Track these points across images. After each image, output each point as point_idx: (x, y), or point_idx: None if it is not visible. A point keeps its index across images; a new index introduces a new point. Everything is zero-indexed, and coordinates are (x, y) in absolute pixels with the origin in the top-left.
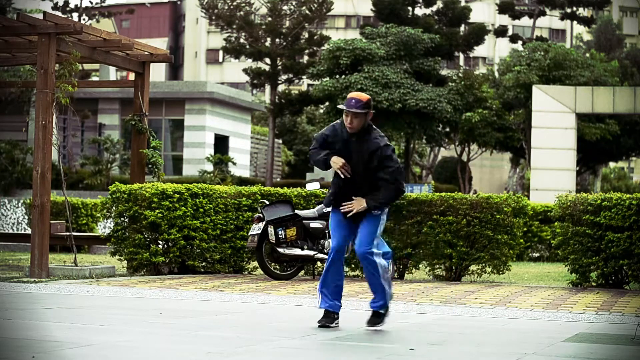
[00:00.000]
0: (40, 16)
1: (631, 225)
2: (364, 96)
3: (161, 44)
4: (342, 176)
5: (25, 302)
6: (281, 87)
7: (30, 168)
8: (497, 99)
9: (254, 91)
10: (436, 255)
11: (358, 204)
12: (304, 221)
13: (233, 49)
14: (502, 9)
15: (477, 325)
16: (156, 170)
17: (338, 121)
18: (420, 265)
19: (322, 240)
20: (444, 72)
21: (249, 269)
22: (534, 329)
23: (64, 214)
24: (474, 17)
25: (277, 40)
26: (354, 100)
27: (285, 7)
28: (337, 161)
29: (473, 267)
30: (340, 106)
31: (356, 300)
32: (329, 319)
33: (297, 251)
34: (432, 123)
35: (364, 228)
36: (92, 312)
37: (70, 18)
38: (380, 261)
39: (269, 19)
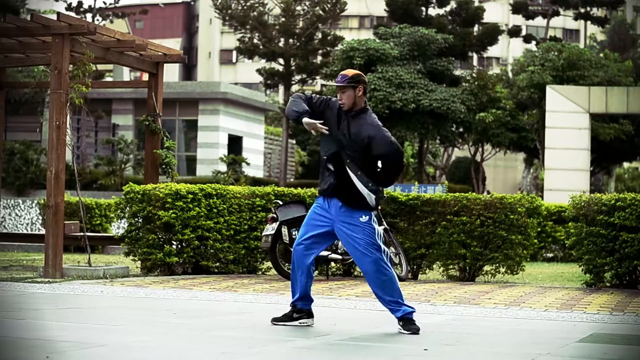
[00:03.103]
0: (54, 17)
1: None
2: (350, 71)
3: (175, 44)
4: (324, 131)
5: (39, 303)
6: (295, 88)
7: (44, 168)
8: (510, 99)
9: (268, 91)
10: (450, 255)
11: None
12: None
13: (246, 50)
14: (516, 9)
15: (491, 326)
16: (170, 170)
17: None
18: (434, 266)
19: (335, 241)
20: (457, 72)
21: (263, 270)
22: (548, 329)
23: (77, 214)
24: (488, 17)
25: (291, 40)
26: (340, 76)
27: (298, 8)
28: (310, 122)
29: (487, 268)
30: (328, 82)
31: (369, 300)
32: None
33: None
34: (445, 123)
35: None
36: (106, 313)
37: (84, 19)
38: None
39: (283, 19)
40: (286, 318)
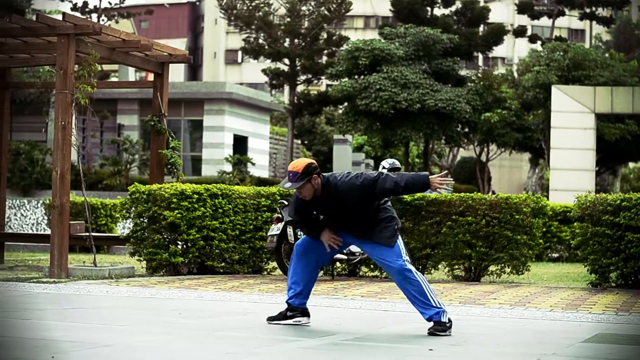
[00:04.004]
0: (59, 17)
1: None
2: (299, 165)
3: (180, 44)
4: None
5: (45, 303)
6: (300, 88)
7: (50, 169)
8: (516, 99)
9: (273, 92)
10: (455, 255)
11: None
12: None
13: (252, 50)
14: (521, 9)
15: (496, 326)
16: (175, 170)
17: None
18: (439, 266)
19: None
20: (462, 72)
21: (268, 270)
22: (553, 329)
23: (83, 214)
24: (493, 17)
25: (296, 40)
26: (291, 174)
27: (304, 8)
28: (326, 239)
29: (492, 268)
30: (282, 185)
31: (375, 300)
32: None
33: None
34: (451, 123)
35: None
36: (111, 313)
37: (89, 19)
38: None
39: (288, 19)
40: (281, 317)
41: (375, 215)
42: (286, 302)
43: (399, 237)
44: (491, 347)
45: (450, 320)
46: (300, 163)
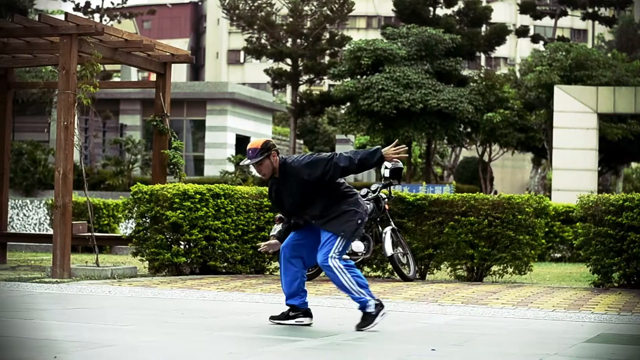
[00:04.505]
0: (61, 17)
1: None
2: (257, 142)
3: (182, 44)
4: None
5: (47, 303)
6: (302, 88)
7: (52, 169)
8: (518, 99)
9: (275, 92)
10: (458, 255)
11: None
12: None
13: (254, 50)
14: (524, 9)
15: (499, 326)
16: (177, 170)
17: None
18: (442, 266)
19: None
20: (465, 72)
21: (271, 270)
22: (556, 329)
23: (85, 214)
24: (495, 17)
25: (298, 40)
26: (250, 151)
27: (306, 8)
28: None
29: (495, 268)
30: (242, 163)
31: None
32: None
33: None
34: (453, 123)
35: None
36: (114, 313)
37: (91, 19)
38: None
39: (290, 19)
40: (283, 317)
41: (338, 203)
42: (286, 304)
43: (351, 239)
44: (493, 347)
45: (377, 307)
46: (258, 141)
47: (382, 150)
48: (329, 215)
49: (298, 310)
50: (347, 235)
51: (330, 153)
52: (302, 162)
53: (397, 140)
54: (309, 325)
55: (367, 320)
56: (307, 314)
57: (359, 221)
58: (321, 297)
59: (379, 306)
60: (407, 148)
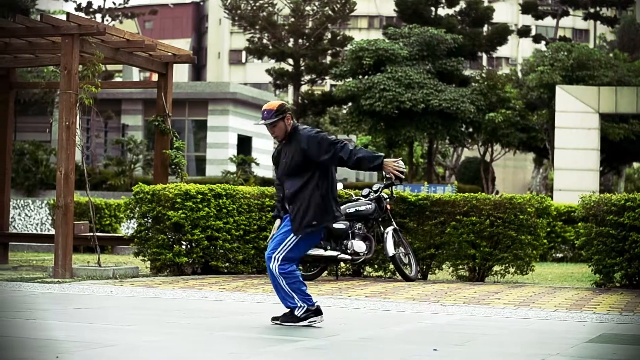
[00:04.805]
0: (63, 17)
1: None
2: (274, 104)
3: (184, 44)
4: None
5: (49, 303)
6: (304, 88)
7: (54, 169)
8: (520, 99)
9: (277, 92)
10: (459, 255)
11: None
12: None
13: (256, 50)
14: (525, 9)
15: (501, 326)
16: (179, 170)
17: None
18: (444, 266)
19: (345, 241)
20: (467, 72)
21: None
22: (558, 329)
23: (87, 214)
24: (497, 17)
25: (300, 40)
26: (265, 112)
27: (308, 8)
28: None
29: (496, 268)
30: (256, 123)
31: (379, 300)
32: None
33: (320, 252)
34: (455, 123)
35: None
36: (116, 313)
37: (93, 19)
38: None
39: (292, 19)
40: (295, 319)
41: (312, 195)
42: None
43: (305, 235)
44: (495, 347)
45: (303, 316)
46: (275, 102)
47: (385, 160)
48: (295, 202)
49: (309, 310)
50: (299, 233)
51: (337, 138)
52: (309, 134)
53: (400, 158)
54: (320, 323)
55: (291, 318)
56: (318, 312)
57: (314, 222)
58: (323, 297)
59: (311, 313)
60: (406, 170)
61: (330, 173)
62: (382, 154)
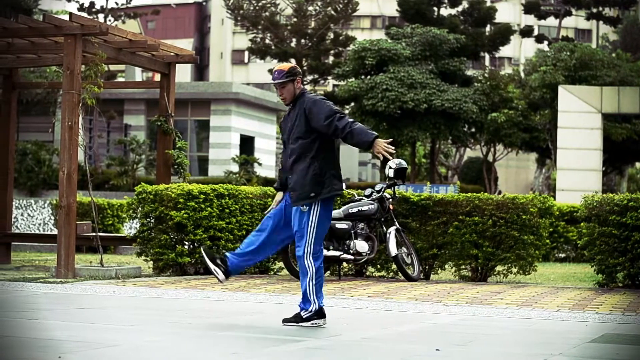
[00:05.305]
0: (66, 17)
1: None
2: (285, 65)
3: (187, 44)
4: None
5: (52, 303)
6: (307, 88)
7: (57, 169)
8: (522, 100)
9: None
10: (462, 255)
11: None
12: None
13: (258, 50)
14: (528, 9)
15: (503, 326)
16: (182, 171)
17: None
18: (446, 266)
19: (347, 241)
20: (469, 72)
21: (275, 270)
22: (560, 329)
23: (90, 214)
24: (500, 18)
25: (303, 40)
26: (276, 72)
27: (310, 8)
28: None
29: (499, 268)
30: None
31: (382, 300)
32: None
33: None
34: (457, 123)
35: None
36: (118, 313)
37: (96, 19)
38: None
39: (295, 19)
40: (299, 319)
41: (310, 165)
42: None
43: (318, 207)
44: (498, 347)
45: (307, 317)
46: (287, 64)
47: (377, 139)
48: (294, 172)
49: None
50: (298, 204)
51: (340, 111)
52: (314, 99)
53: (391, 139)
54: (323, 325)
55: (295, 318)
56: (321, 315)
57: (311, 194)
58: (325, 297)
59: (314, 315)
60: (394, 152)
61: (332, 147)
62: (376, 133)
